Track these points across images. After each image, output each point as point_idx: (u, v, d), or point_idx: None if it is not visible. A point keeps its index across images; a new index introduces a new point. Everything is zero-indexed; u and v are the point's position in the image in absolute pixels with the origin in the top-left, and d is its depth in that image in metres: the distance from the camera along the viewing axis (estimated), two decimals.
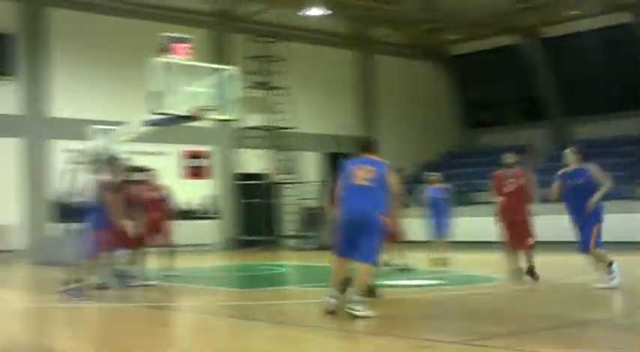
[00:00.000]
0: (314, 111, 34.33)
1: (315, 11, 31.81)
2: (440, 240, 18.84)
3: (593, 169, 12.72)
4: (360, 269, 10.21)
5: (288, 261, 23.97)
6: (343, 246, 10.32)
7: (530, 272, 14.11)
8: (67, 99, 28.22)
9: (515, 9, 33.29)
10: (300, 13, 32.16)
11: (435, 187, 19.30)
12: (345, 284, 10.37)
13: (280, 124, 33.05)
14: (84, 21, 28.91)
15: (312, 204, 32.09)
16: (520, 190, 14.28)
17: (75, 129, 25.61)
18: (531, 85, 37.54)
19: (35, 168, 27.75)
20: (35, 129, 27.82)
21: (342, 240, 10.33)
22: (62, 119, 27.95)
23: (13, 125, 27.48)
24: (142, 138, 24.20)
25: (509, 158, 14.51)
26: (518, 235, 14.14)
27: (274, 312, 11.52)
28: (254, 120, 32.36)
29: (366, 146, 10.75)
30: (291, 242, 31.90)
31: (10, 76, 27.47)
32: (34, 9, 28.20)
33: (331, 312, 10.17)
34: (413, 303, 11.21)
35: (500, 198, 14.36)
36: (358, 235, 10.22)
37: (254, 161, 32.71)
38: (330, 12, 32.13)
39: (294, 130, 32.98)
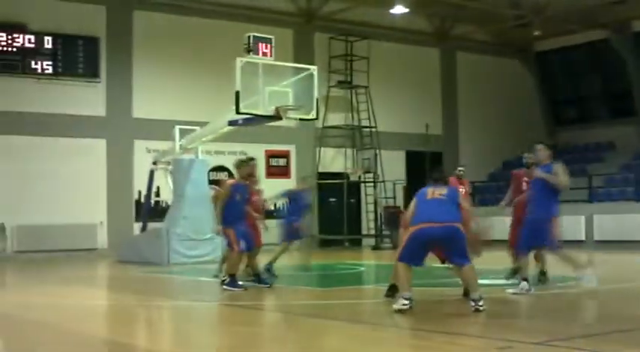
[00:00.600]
0: (395, 109, 34.18)
1: (399, 9, 31.70)
2: None
3: (557, 167, 12.60)
4: (466, 273, 10.69)
5: (367, 260, 23.94)
6: (419, 255, 10.71)
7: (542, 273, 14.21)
8: (150, 100, 28.58)
9: (605, 2, 32.65)
10: (384, 12, 32.07)
11: None
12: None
13: (361, 123, 33.02)
14: (167, 22, 29.20)
15: (392, 203, 32.00)
16: None
17: (159, 129, 26.00)
18: (619, 81, 36.76)
19: (119, 168, 28.17)
20: (120, 130, 28.24)
21: (417, 250, 10.64)
22: (146, 120, 28.33)
23: (99, 126, 27.95)
24: (225, 138, 24.44)
25: (529, 158, 14.26)
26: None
27: (354, 312, 11.52)
28: (335, 119, 32.43)
29: (438, 177, 11.25)
30: (370, 241, 31.85)
31: (97, 78, 27.94)
32: (120, 12, 28.62)
33: (403, 312, 10.31)
34: (491, 303, 11.08)
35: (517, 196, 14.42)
36: (443, 243, 10.71)
37: (335, 160, 32.77)
38: (413, 10, 31.98)
39: (375, 129, 32.93)
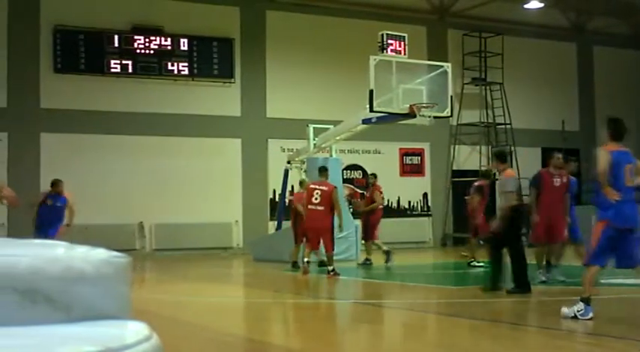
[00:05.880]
0: (531, 106, 33.56)
1: (534, 4, 31.19)
2: None
3: None
4: None
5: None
6: None
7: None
8: (284, 100, 28.77)
9: None
10: (518, 7, 31.56)
11: None
12: None
13: (496, 120, 32.55)
14: (299, 22, 29.39)
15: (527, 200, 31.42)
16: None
17: (292, 129, 26.11)
18: None
19: (254, 167, 28.44)
20: (254, 129, 28.52)
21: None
22: (280, 119, 28.53)
23: (235, 126, 28.30)
24: (359, 137, 24.41)
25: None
26: None
27: (489, 310, 11.33)
28: (470, 116, 32.07)
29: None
30: None
31: (231, 79, 28.30)
32: (253, 12, 28.91)
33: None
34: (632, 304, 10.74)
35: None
36: None
37: (469, 157, 32.39)
38: (548, 4, 31.38)
39: (510, 126, 32.42)
